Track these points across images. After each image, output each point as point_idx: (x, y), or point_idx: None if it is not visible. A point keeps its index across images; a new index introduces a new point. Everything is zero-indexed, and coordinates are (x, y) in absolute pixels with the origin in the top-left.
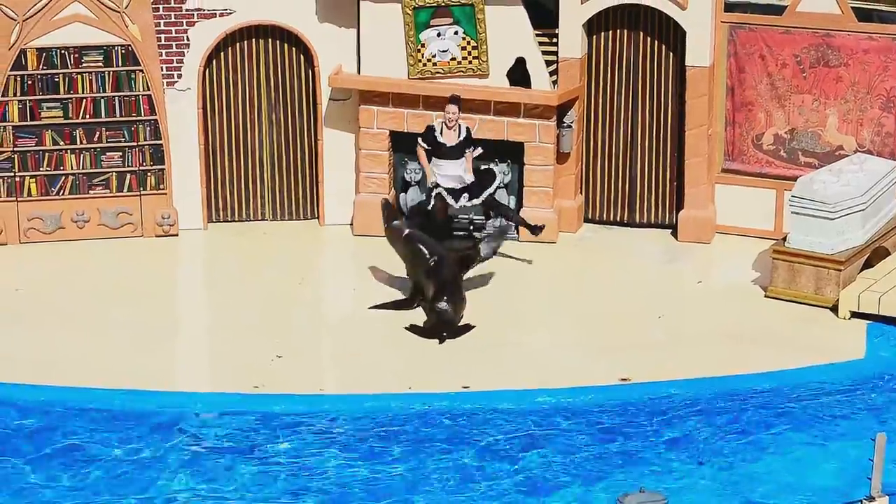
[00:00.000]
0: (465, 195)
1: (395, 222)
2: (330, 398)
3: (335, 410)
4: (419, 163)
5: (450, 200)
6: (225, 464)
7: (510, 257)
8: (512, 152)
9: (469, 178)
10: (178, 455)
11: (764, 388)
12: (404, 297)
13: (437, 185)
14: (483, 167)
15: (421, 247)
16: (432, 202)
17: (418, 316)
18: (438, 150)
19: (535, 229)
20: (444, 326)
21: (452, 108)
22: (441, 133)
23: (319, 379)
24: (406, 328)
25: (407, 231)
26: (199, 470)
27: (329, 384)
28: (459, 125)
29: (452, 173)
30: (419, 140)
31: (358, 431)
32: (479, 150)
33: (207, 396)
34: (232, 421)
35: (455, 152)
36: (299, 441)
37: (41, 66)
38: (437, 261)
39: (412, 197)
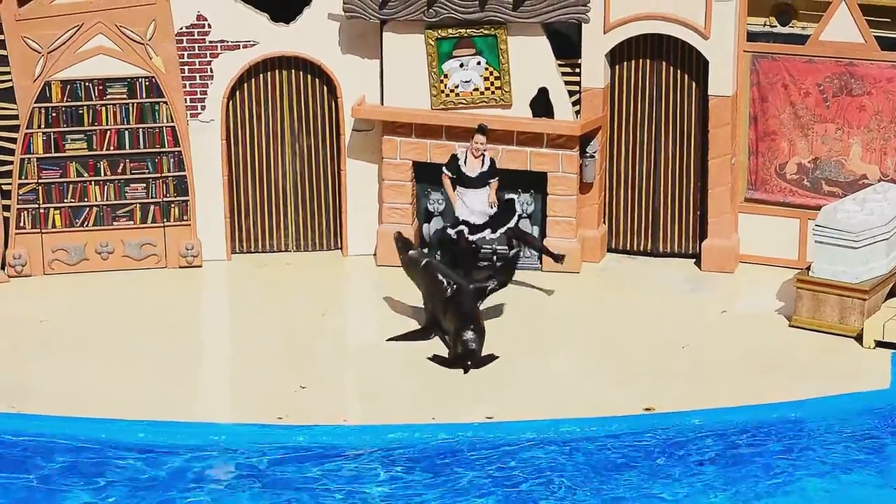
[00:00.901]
0: (487, 230)
1: (413, 252)
2: (354, 429)
3: (359, 441)
4: (444, 192)
5: (469, 236)
6: (248, 494)
7: (533, 287)
8: (535, 182)
9: (490, 210)
10: (200, 486)
11: (790, 417)
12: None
13: (461, 221)
14: (506, 197)
15: (439, 277)
16: (454, 236)
17: (439, 346)
18: (461, 180)
19: (558, 258)
20: (467, 356)
21: (481, 138)
22: (465, 162)
23: (343, 409)
24: (429, 358)
25: (425, 261)
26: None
27: (353, 415)
28: (484, 155)
29: (474, 203)
30: (444, 169)
31: (383, 462)
32: (495, 181)
33: (231, 427)
34: (255, 451)
35: (477, 182)
36: (323, 471)
37: (65, 98)
38: (456, 291)
39: (435, 227)
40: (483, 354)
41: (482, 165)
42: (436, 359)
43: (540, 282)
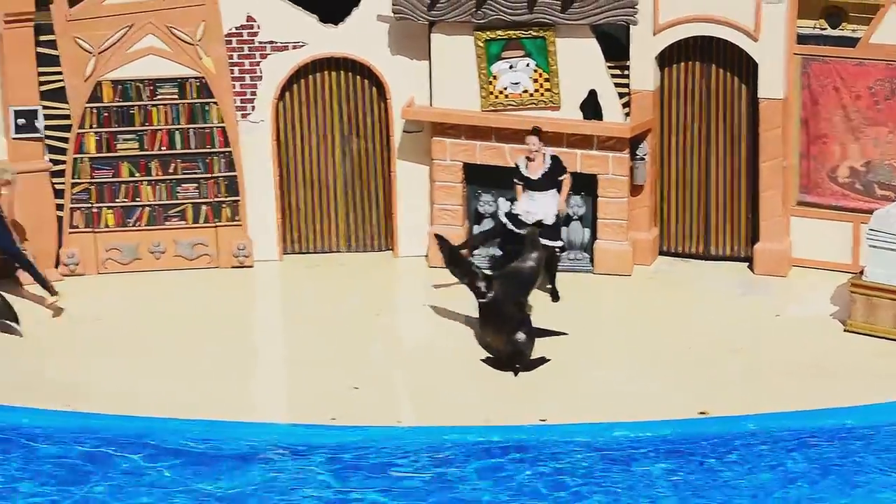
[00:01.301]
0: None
1: (456, 253)
2: (408, 430)
3: (413, 442)
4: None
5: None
6: (303, 493)
7: (584, 289)
8: (585, 184)
9: (552, 219)
10: (253, 486)
11: (844, 422)
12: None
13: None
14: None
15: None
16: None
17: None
18: (528, 185)
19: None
20: (518, 359)
21: (532, 139)
22: (526, 167)
23: (397, 410)
24: (482, 360)
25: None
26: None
27: (406, 416)
28: (544, 155)
29: (541, 207)
30: (514, 179)
31: (437, 463)
32: (567, 178)
33: (284, 428)
34: (308, 452)
35: (545, 184)
36: (375, 471)
37: (116, 99)
38: (497, 295)
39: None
40: (534, 357)
41: (543, 166)
42: (488, 361)
43: (591, 284)
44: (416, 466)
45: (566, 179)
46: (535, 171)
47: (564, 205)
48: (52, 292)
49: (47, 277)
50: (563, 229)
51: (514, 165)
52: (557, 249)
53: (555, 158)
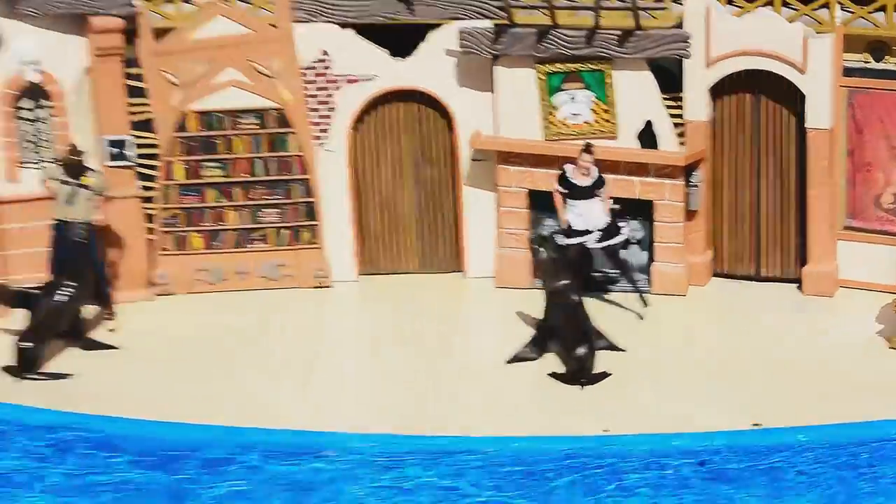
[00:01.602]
0: (591, 237)
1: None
2: (478, 440)
3: (484, 451)
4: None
5: (574, 239)
6: (375, 498)
7: (643, 308)
8: (643, 210)
9: (603, 221)
10: (333, 489)
11: (891, 435)
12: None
13: (570, 230)
14: (617, 222)
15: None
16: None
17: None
18: (572, 192)
19: (643, 300)
20: (581, 373)
21: (587, 156)
22: (573, 176)
23: (466, 421)
24: (549, 374)
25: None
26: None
27: (476, 426)
28: (592, 171)
29: (584, 211)
30: (556, 185)
31: (505, 469)
32: (606, 190)
33: (359, 437)
34: (383, 458)
35: (588, 192)
36: (447, 477)
37: (201, 129)
38: (569, 310)
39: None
40: (596, 372)
41: (590, 179)
42: (554, 375)
43: (649, 304)
44: (487, 472)
45: (607, 192)
46: (583, 182)
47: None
48: (111, 316)
49: (113, 301)
50: (622, 251)
51: (561, 170)
52: (623, 239)
53: (600, 174)
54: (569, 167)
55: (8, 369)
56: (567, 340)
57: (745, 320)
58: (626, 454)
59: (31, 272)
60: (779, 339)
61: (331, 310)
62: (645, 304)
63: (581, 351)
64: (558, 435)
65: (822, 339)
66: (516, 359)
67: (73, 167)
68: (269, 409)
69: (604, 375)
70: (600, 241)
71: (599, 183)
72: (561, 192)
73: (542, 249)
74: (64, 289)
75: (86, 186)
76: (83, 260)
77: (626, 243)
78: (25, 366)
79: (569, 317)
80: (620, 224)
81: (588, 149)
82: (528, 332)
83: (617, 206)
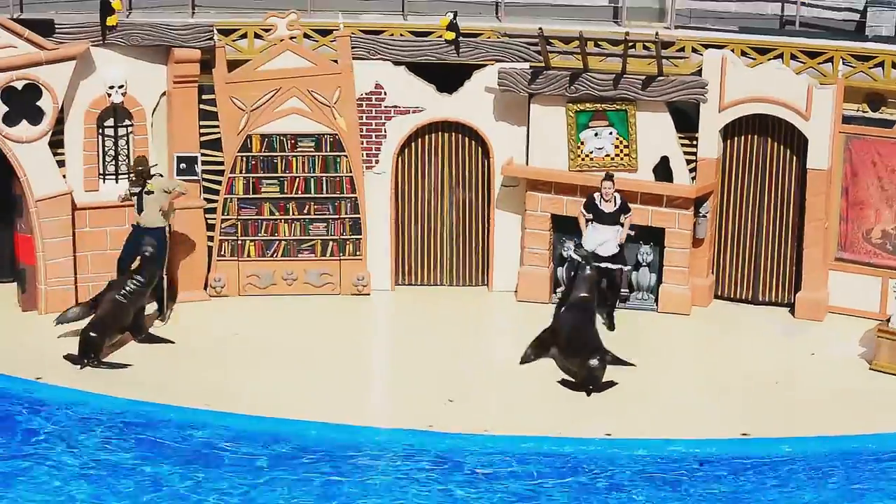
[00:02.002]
0: (606, 263)
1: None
2: (492, 438)
3: (497, 449)
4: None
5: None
6: (398, 489)
7: (648, 326)
8: (654, 236)
9: (614, 248)
10: (365, 479)
11: (868, 447)
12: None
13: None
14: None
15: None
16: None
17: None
18: (599, 217)
19: (611, 326)
20: (591, 382)
21: (608, 184)
22: (600, 203)
23: (484, 421)
24: (559, 382)
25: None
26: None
27: (492, 426)
28: (615, 197)
29: (603, 237)
30: (582, 209)
31: (516, 467)
32: (629, 216)
33: (387, 432)
34: (407, 453)
35: (612, 218)
36: (465, 471)
37: (263, 149)
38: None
39: (568, 271)
40: (604, 381)
41: (615, 205)
42: (564, 382)
43: (654, 322)
44: (498, 468)
45: (629, 218)
46: (608, 208)
47: (624, 236)
48: (165, 317)
49: (171, 301)
50: (634, 273)
51: (589, 196)
52: (624, 269)
53: (623, 200)
54: (597, 196)
55: (69, 357)
56: (580, 350)
57: (740, 339)
58: (626, 456)
59: (104, 271)
60: (770, 358)
61: (368, 315)
62: (612, 326)
63: (594, 362)
64: (566, 437)
65: (809, 360)
66: (524, 360)
67: (140, 176)
68: (298, 403)
69: (610, 384)
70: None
71: (624, 209)
72: (585, 217)
73: (587, 264)
74: (129, 286)
75: (149, 192)
76: (150, 262)
77: (619, 273)
78: (88, 354)
79: (583, 328)
80: (619, 261)
81: (609, 177)
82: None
83: (632, 233)
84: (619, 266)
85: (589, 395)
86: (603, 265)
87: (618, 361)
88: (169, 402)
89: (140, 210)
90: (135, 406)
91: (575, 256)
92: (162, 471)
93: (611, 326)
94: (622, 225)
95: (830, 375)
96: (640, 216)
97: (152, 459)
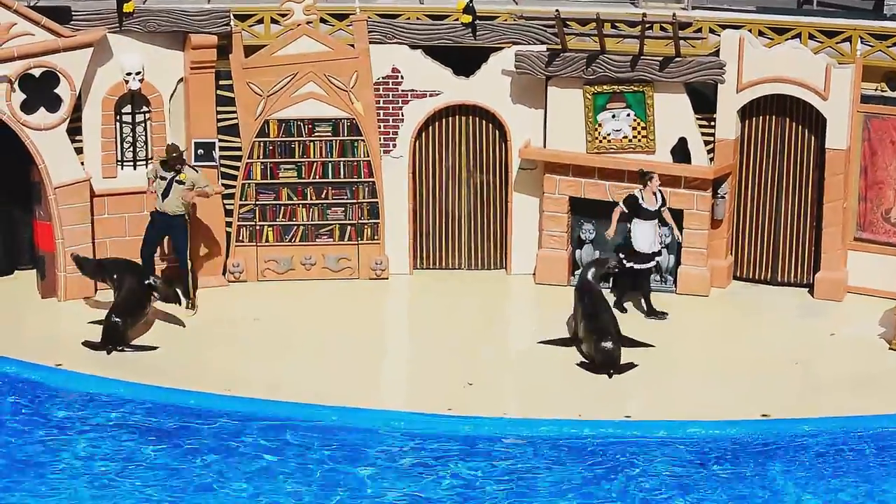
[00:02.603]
0: (650, 263)
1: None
2: (512, 421)
3: (516, 432)
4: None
5: (637, 264)
6: (418, 473)
7: (668, 307)
8: (673, 217)
9: (655, 247)
10: (377, 463)
11: (888, 427)
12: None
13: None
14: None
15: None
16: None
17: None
18: (640, 214)
19: (623, 309)
20: (609, 365)
21: (656, 177)
22: (643, 199)
23: (503, 404)
24: (577, 364)
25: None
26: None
27: (511, 409)
28: (655, 194)
29: (647, 234)
30: (622, 203)
31: (536, 449)
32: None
33: (407, 415)
34: (428, 437)
35: (655, 214)
36: (482, 454)
37: (280, 135)
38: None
39: (587, 253)
40: (624, 362)
41: (656, 200)
42: (583, 365)
43: (672, 303)
44: (519, 451)
45: (666, 210)
46: (652, 204)
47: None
48: (193, 304)
49: (195, 289)
50: (672, 257)
51: (631, 195)
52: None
53: (663, 196)
54: (637, 192)
55: (88, 344)
56: (596, 333)
57: (760, 320)
58: (645, 438)
59: (123, 257)
60: (790, 339)
61: (386, 300)
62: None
63: (606, 345)
64: (585, 419)
65: (829, 340)
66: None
67: (171, 163)
68: (317, 387)
69: (630, 366)
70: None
71: (664, 204)
72: (622, 211)
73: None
74: (149, 274)
75: (180, 182)
76: (175, 245)
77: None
78: (113, 339)
79: (599, 315)
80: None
81: (653, 176)
82: (561, 322)
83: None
84: (651, 264)
85: (610, 377)
86: (636, 265)
87: (636, 343)
88: (188, 387)
89: (165, 196)
90: (154, 392)
91: (611, 265)
92: (179, 456)
93: (650, 312)
94: (662, 219)
95: (850, 356)
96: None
97: (168, 446)
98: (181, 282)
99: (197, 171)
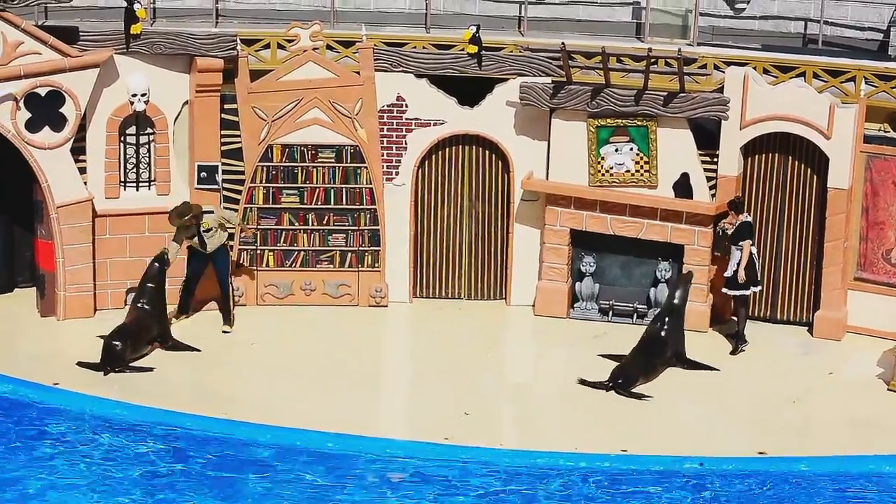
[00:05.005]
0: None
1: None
2: (508, 453)
3: (512, 463)
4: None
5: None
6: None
7: None
8: (674, 252)
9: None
10: (371, 491)
11: (884, 469)
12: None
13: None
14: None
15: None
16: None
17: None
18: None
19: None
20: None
21: (731, 215)
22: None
23: (500, 435)
24: (578, 381)
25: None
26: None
27: (508, 440)
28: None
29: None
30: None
31: (531, 480)
32: (747, 242)
33: (403, 444)
34: (424, 465)
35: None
36: (479, 484)
37: (284, 160)
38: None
39: (586, 286)
40: (636, 391)
41: (734, 228)
42: (582, 381)
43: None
44: (515, 483)
45: (746, 244)
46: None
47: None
48: (230, 324)
49: (233, 311)
50: (653, 289)
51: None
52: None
53: (742, 224)
54: (725, 224)
55: (84, 364)
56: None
57: (758, 357)
58: (641, 472)
59: (123, 278)
60: (788, 377)
61: (385, 327)
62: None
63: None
64: (581, 452)
65: (827, 379)
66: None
67: (192, 221)
68: (314, 413)
69: (640, 396)
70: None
71: (740, 235)
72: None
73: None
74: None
75: (207, 230)
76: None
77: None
78: (110, 361)
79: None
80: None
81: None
82: (559, 356)
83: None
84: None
85: (607, 391)
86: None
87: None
88: (185, 410)
89: (204, 247)
90: (150, 414)
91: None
92: (173, 480)
93: (735, 350)
94: (737, 246)
95: (848, 395)
96: (659, 232)
97: (162, 469)
98: (222, 304)
99: (212, 211)
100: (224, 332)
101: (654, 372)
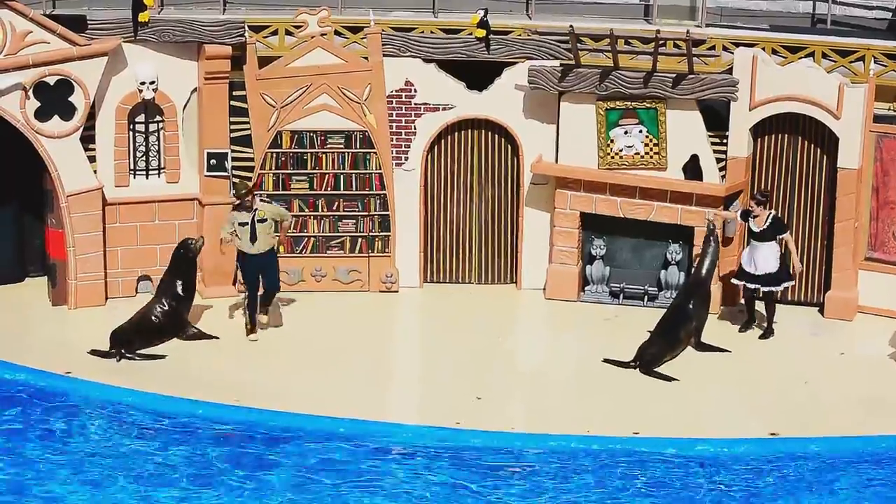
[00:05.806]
0: (759, 284)
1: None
2: (519, 436)
3: (524, 446)
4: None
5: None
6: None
7: None
8: (684, 235)
9: (773, 266)
10: (397, 478)
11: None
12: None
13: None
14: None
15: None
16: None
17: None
18: (752, 234)
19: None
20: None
21: (754, 204)
22: (753, 219)
23: (511, 418)
24: (603, 360)
25: None
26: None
27: (519, 423)
28: (765, 216)
29: (757, 255)
30: (739, 212)
31: (542, 463)
32: (786, 235)
33: (415, 428)
34: (435, 450)
35: (760, 236)
36: (490, 468)
37: (293, 146)
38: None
39: (597, 269)
40: (661, 371)
41: (765, 223)
42: (608, 361)
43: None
44: (527, 465)
45: (787, 237)
46: (758, 226)
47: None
48: (254, 330)
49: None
50: (663, 272)
51: (745, 210)
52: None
53: (775, 218)
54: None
55: (96, 352)
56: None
57: (770, 339)
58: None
59: (134, 267)
60: (800, 358)
61: (396, 313)
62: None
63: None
64: (594, 435)
65: (838, 359)
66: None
67: (247, 202)
68: (326, 399)
69: (667, 378)
70: (768, 285)
71: (776, 229)
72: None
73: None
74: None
75: (262, 220)
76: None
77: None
78: (114, 345)
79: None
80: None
81: (753, 197)
82: (570, 339)
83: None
84: (773, 287)
85: (634, 368)
86: (752, 286)
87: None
88: (198, 397)
89: (253, 240)
90: (163, 401)
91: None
92: (186, 466)
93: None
94: (778, 242)
95: (859, 375)
96: (669, 215)
97: (176, 455)
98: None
99: (270, 202)
100: (261, 324)
101: (680, 345)
